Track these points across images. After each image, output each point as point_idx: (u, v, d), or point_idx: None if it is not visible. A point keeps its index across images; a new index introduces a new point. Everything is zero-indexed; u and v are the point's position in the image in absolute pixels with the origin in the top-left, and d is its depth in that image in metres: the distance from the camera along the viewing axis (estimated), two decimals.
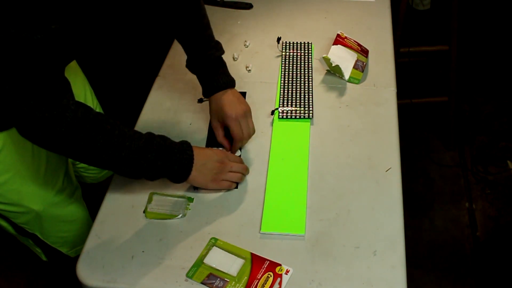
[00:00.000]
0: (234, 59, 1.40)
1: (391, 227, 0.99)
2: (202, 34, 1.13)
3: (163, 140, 0.98)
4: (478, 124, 2.36)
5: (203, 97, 1.18)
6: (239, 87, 1.31)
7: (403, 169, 1.11)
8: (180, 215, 1.03)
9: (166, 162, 0.96)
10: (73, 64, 1.34)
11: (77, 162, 1.45)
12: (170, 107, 1.28)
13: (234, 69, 1.37)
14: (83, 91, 1.38)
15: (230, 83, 1.14)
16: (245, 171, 1.09)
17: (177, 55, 1.42)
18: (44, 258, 1.39)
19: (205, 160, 1.02)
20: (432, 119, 2.37)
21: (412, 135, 2.31)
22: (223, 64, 1.15)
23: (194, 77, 1.36)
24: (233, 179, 1.06)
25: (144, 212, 1.05)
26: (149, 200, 1.06)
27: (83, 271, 0.95)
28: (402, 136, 1.18)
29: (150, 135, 0.97)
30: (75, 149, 0.89)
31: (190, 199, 1.06)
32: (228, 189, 1.07)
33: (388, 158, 1.12)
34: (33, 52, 0.79)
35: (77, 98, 0.92)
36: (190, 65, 1.17)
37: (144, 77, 1.51)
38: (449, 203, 2.05)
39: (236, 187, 1.08)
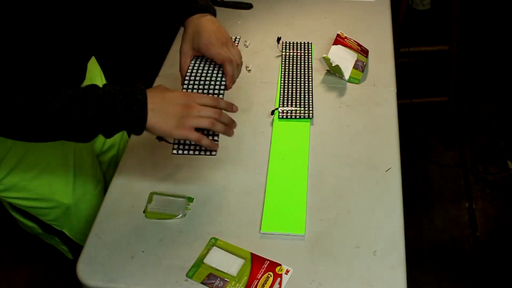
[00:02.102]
0: None
1: (391, 227, 0.99)
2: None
3: (102, 88, 0.83)
4: (478, 124, 2.36)
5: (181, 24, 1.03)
6: (239, 87, 1.31)
7: (403, 169, 1.11)
8: (180, 215, 1.03)
9: (108, 114, 0.81)
10: (93, 62, 1.32)
11: (101, 158, 1.42)
12: None
13: None
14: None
15: (210, 8, 1.02)
16: (217, 115, 0.90)
17: (177, 55, 1.42)
18: (70, 256, 1.38)
19: (164, 103, 0.86)
20: (432, 119, 2.38)
21: (412, 135, 2.31)
22: None
23: None
24: (201, 124, 0.88)
25: (144, 212, 1.05)
26: (149, 200, 1.06)
27: (83, 271, 0.95)
28: (402, 136, 1.18)
29: (86, 87, 0.83)
30: (6, 124, 0.80)
31: (190, 199, 1.06)
32: (208, 150, 0.92)
33: (388, 158, 1.12)
34: None
35: None
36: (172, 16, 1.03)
37: (144, 77, 1.51)
38: (449, 203, 2.05)
39: (215, 154, 0.94)
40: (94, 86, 0.83)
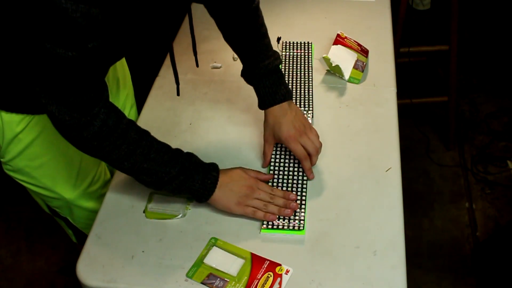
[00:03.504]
0: (234, 59, 1.40)
1: (391, 227, 0.99)
2: (259, 44, 1.10)
3: (189, 157, 0.99)
4: (478, 124, 2.36)
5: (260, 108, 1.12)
6: (239, 87, 1.31)
7: (403, 169, 1.11)
8: (180, 215, 1.03)
9: (188, 179, 0.96)
10: (123, 61, 1.36)
11: None
12: (170, 107, 1.28)
13: (234, 69, 1.37)
14: (125, 91, 1.37)
15: (288, 95, 1.09)
16: (271, 200, 1.01)
17: (177, 55, 1.42)
18: (74, 240, 1.41)
19: (231, 182, 1.00)
20: (432, 119, 2.38)
21: (412, 135, 2.31)
22: (281, 75, 1.10)
23: (195, 77, 1.36)
24: (257, 206, 1.00)
25: (144, 212, 1.05)
26: (149, 200, 1.06)
27: (83, 271, 0.95)
28: (402, 136, 1.18)
29: (178, 151, 0.98)
30: (99, 154, 0.93)
31: (190, 199, 1.06)
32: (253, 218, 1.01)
33: (388, 158, 1.12)
34: (68, 66, 0.81)
35: (121, 96, 0.96)
36: (246, 75, 1.12)
37: (144, 77, 1.51)
38: (449, 203, 2.05)
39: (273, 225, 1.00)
40: (181, 151, 0.98)
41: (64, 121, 0.87)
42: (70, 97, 0.85)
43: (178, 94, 1.19)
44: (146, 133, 0.96)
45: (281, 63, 1.11)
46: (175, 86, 1.16)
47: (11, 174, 1.18)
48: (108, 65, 0.99)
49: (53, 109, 0.86)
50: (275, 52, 1.11)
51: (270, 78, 1.09)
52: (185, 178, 0.96)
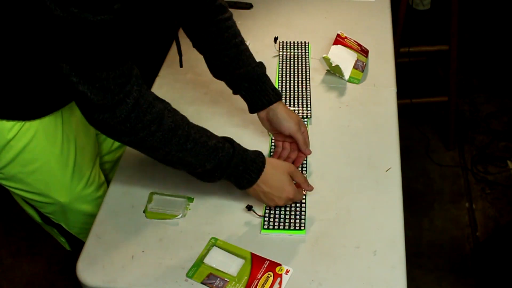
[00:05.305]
0: None
1: (391, 227, 0.99)
2: (238, 50, 1.11)
3: (229, 156, 0.96)
4: (478, 124, 2.36)
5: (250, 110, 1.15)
6: None
7: (403, 169, 1.11)
8: (180, 215, 1.03)
9: (222, 176, 0.95)
10: None
11: (105, 160, 1.43)
12: None
13: None
14: None
15: (279, 95, 1.12)
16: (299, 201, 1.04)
17: (177, 55, 1.42)
18: (68, 247, 1.40)
19: (271, 191, 0.99)
20: (432, 119, 2.37)
21: (412, 135, 2.31)
22: (267, 78, 1.13)
23: (194, 77, 1.36)
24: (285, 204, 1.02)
25: (144, 212, 1.05)
26: (149, 200, 1.06)
27: (83, 271, 0.95)
28: (402, 136, 1.18)
29: (219, 144, 0.96)
30: (133, 139, 0.88)
31: (190, 199, 1.06)
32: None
33: (388, 158, 1.12)
34: (96, 33, 0.77)
35: None
36: (232, 81, 1.13)
37: (144, 77, 1.51)
38: (449, 203, 2.05)
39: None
40: (223, 145, 0.95)
41: (97, 101, 0.82)
42: (103, 73, 0.81)
43: (181, 66, 1.18)
44: (183, 120, 0.93)
45: (266, 69, 1.13)
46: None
47: (3, 182, 1.16)
48: (129, 41, 0.94)
49: (84, 89, 0.81)
50: (260, 61, 1.14)
51: (261, 81, 1.11)
52: (220, 175, 0.95)
